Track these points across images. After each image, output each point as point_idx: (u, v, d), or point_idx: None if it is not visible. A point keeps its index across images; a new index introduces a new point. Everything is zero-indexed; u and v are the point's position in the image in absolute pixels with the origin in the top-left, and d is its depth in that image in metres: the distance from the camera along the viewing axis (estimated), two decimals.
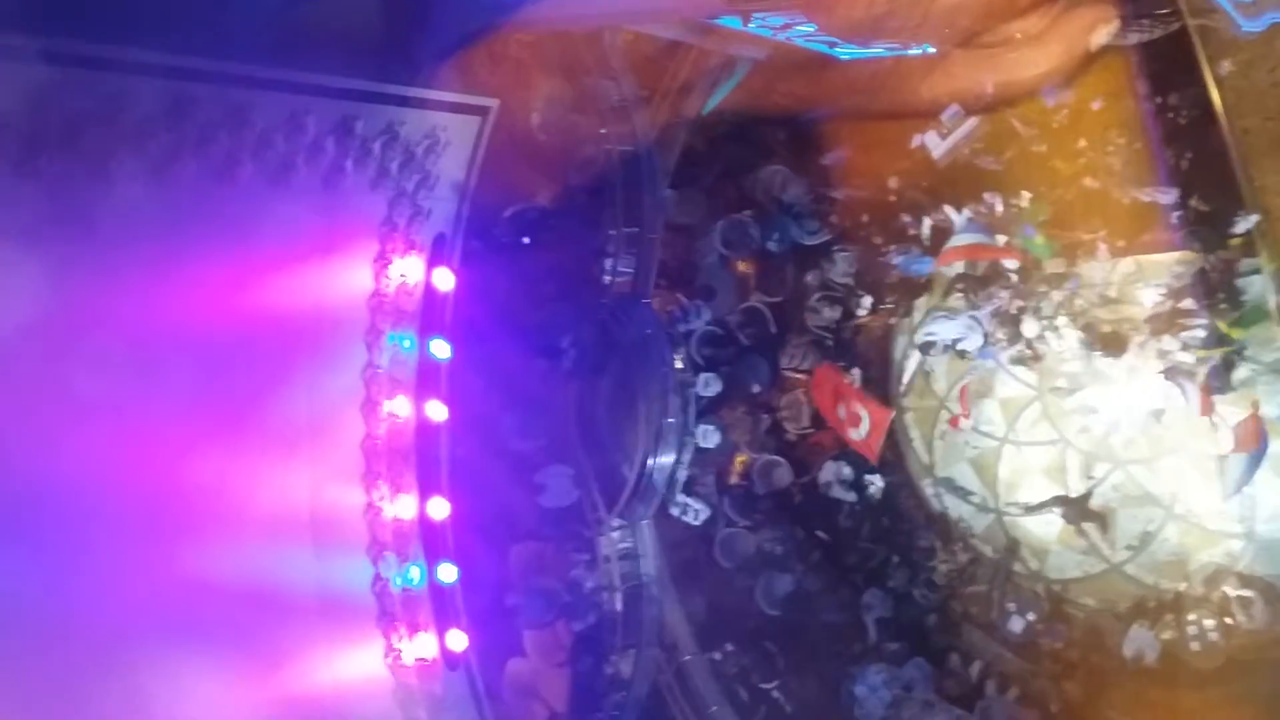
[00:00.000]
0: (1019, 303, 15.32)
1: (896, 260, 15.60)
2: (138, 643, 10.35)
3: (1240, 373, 14.36)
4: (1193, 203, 14.24)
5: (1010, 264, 15.18)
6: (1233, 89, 10.25)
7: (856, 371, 16.42)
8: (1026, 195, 14.92)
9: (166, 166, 10.34)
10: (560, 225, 15.00)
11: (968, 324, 15.45)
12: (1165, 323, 14.68)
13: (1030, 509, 15.97)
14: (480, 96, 13.46)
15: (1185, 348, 14.49)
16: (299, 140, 11.61)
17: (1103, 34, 13.47)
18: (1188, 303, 14.51)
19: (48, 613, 9.38)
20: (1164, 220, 14.58)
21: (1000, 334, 15.33)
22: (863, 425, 15.68)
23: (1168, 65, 13.62)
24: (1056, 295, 15.23)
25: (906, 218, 15.61)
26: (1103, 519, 15.59)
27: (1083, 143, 14.75)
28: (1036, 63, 13.74)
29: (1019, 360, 15.68)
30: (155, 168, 10.23)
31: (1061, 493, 15.84)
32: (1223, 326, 14.13)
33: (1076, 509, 15.63)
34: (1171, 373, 14.50)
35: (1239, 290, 14.03)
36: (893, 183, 15.73)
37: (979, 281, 15.50)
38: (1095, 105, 14.52)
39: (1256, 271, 13.68)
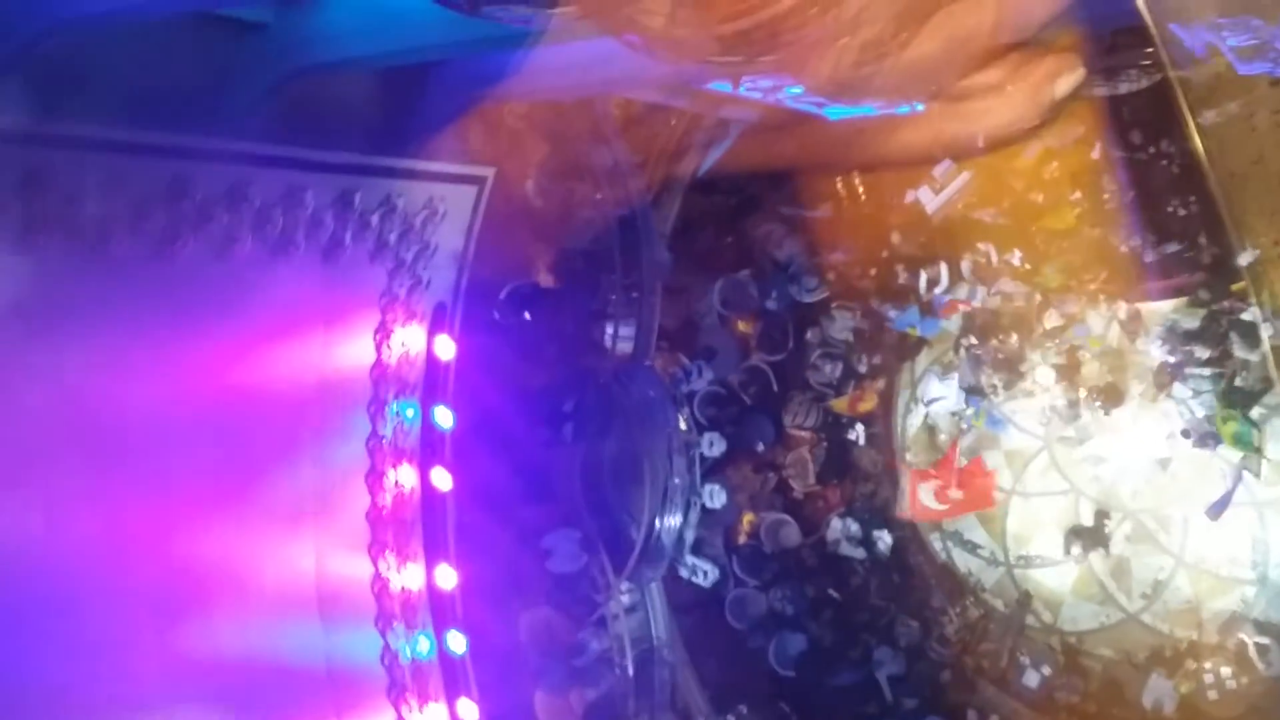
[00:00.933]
0: (1020, 355, 15.36)
1: (892, 316, 15.65)
2: (142, 718, 10.32)
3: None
4: (1188, 250, 14.29)
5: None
6: (1216, 136, 10.37)
7: (860, 428, 16.48)
8: (1019, 253, 15.00)
9: (166, 245, 10.39)
10: (557, 300, 15.13)
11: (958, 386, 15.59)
12: (1168, 372, 14.68)
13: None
14: (476, 166, 13.64)
15: (1195, 395, 14.47)
16: (298, 215, 11.69)
17: (1067, 82, 13.60)
18: (1190, 350, 14.51)
19: (51, 687, 9.34)
20: (1161, 268, 14.62)
21: (997, 380, 15.32)
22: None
23: (1157, 114, 13.74)
24: (1057, 346, 15.27)
25: (903, 273, 15.72)
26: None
27: (1078, 193, 14.82)
28: (1001, 112, 13.88)
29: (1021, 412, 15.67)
30: (154, 246, 10.28)
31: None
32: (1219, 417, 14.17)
33: (1090, 537, 15.54)
34: (1197, 436, 14.50)
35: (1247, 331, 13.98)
36: (888, 238, 15.85)
37: (980, 332, 15.54)
38: (1093, 154, 14.58)
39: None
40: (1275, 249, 10.59)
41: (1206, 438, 14.49)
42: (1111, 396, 14.95)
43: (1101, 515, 15.60)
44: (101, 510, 9.89)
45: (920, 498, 16.07)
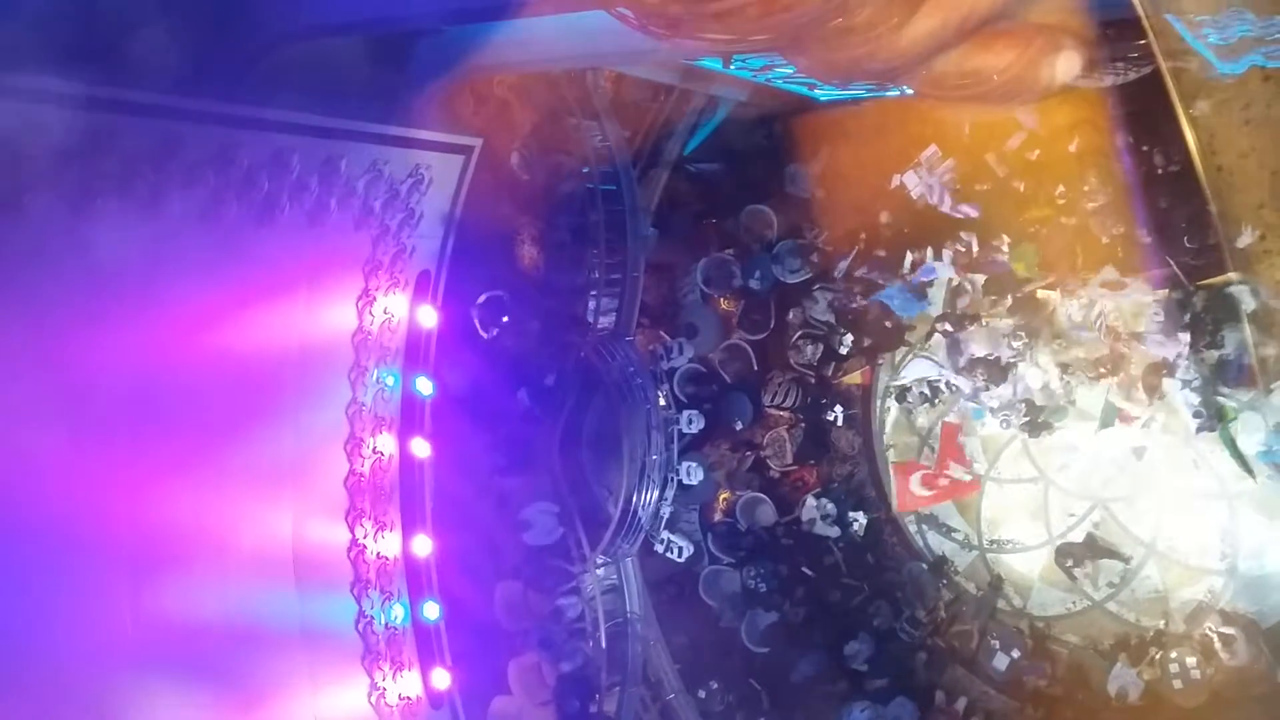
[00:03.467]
0: (999, 342, 15.40)
1: (888, 299, 15.65)
2: (119, 680, 10.33)
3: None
4: (1175, 240, 14.27)
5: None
6: (1206, 128, 10.34)
7: (839, 409, 16.55)
8: (1005, 237, 15.02)
9: (152, 205, 10.35)
10: (533, 299, 15.17)
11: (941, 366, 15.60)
12: (1153, 368, 14.70)
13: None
14: (464, 135, 13.60)
15: (1185, 386, 14.40)
16: (284, 179, 11.65)
17: (1067, 62, 13.51)
18: (1173, 340, 14.53)
19: (27, 649, 9.34)
20: (1145, 258, 14.62)
21: (980, 375, 15.35)
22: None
23: (1146, 105, 13.65)
24: (1037, 334, 15.32)
25: (886, 257, 15.73)
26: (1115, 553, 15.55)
27: (1061, 184, 14.77)
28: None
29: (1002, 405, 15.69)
30: (140, 206, 10.23)
31: (1048, 538, 15.89)
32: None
33: (1084, 550, 15.60)
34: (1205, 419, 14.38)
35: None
36: (872, 222, 15.83)
37: (960, 321, 15.58)
38: (1072, 146, 14.55)
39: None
40: (1262, 243, 10.61)
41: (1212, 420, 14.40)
42: (1039, 428, 15.28)
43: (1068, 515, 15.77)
44: (78, 472, 9.83)
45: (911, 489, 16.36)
